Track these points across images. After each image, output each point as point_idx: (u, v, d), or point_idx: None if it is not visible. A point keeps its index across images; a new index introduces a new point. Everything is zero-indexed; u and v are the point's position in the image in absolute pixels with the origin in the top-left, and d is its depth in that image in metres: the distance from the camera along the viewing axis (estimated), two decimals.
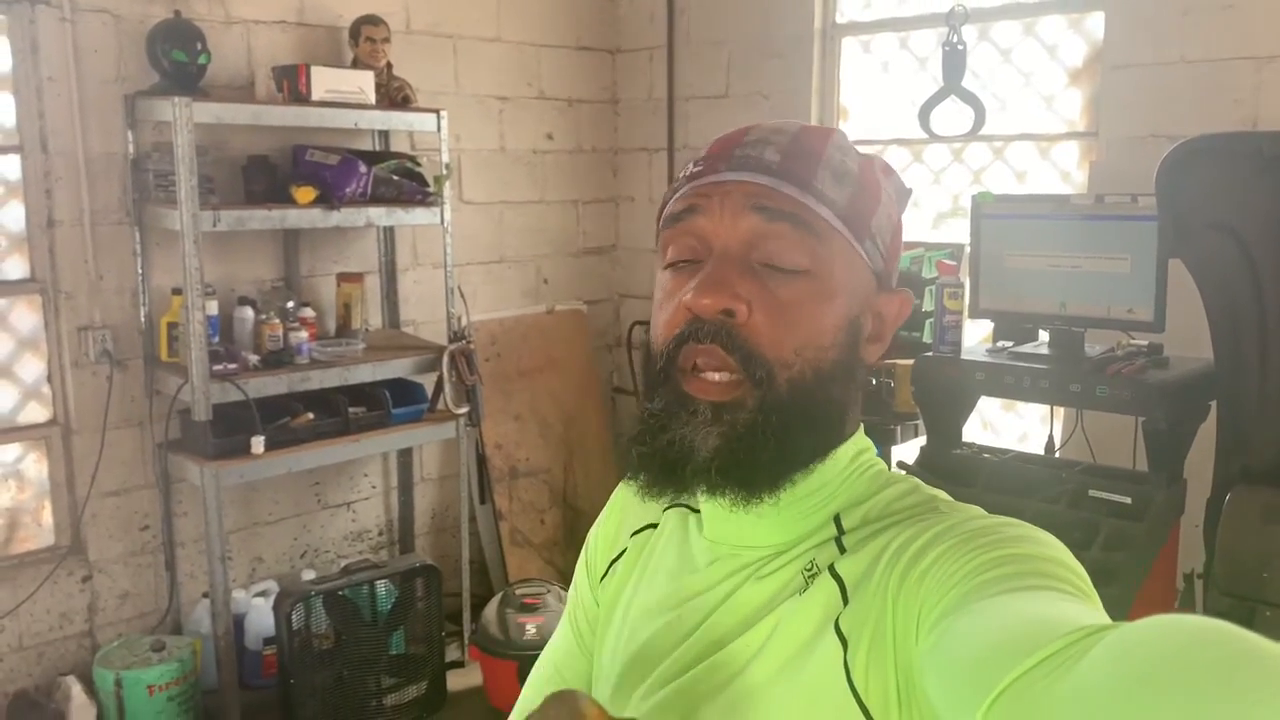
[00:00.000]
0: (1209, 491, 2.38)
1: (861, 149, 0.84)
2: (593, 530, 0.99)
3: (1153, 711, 0.41)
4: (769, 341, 0.74)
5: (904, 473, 0.83)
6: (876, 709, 0.68)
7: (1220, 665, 0.42)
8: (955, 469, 2.68)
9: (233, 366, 3.07)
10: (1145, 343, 2.61)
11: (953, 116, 3.38)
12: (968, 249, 3.00)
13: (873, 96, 3.84)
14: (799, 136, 0.78)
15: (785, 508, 0.77)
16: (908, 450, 3.13)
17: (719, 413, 0.74)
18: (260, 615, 3.33)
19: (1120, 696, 0.43)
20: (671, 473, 0.75)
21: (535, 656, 3.48)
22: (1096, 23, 3.23)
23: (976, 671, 0.54)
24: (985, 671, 0.52)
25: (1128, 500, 2.40)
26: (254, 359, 3.18)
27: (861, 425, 0.83)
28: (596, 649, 0.92)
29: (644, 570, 0.89)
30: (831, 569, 0.74)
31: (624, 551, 0.93)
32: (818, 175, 0.76)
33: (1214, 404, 2.43)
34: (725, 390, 0.74)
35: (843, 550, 0.75)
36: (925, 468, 2.72)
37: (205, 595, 3.26)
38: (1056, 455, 2.86)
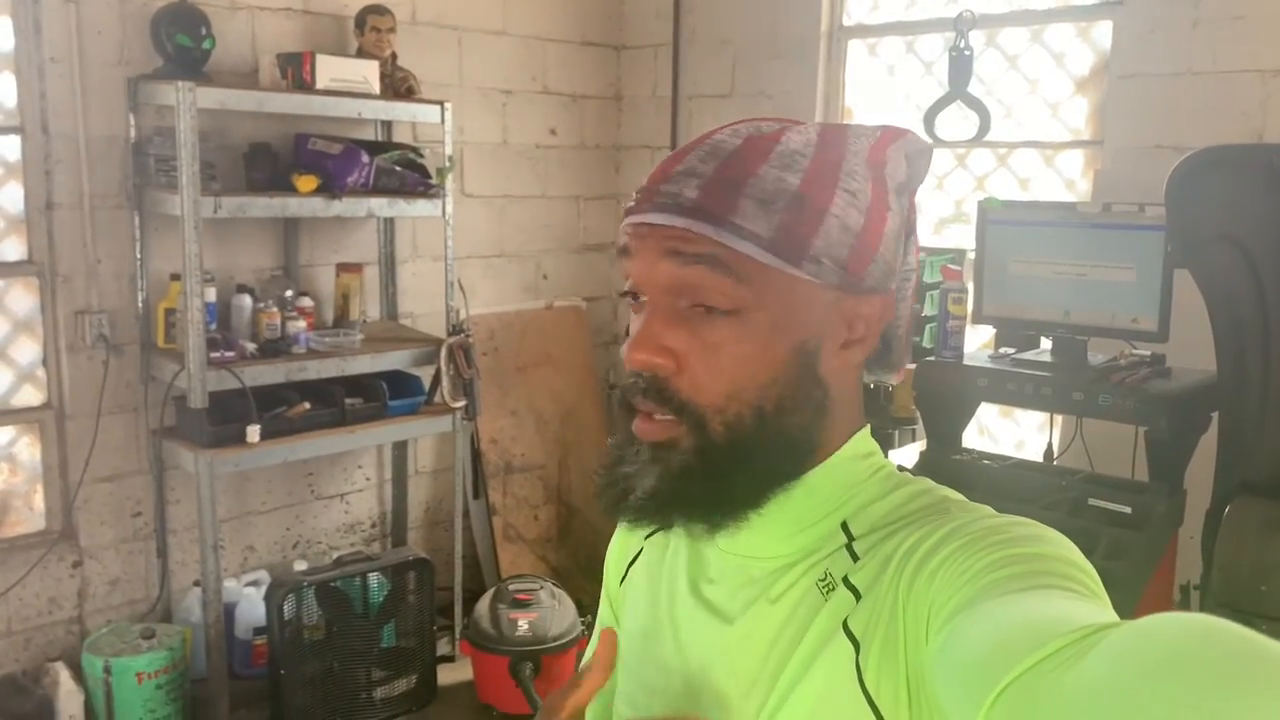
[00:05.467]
0: (1208, 503, 2.38)
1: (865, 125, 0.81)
2: (610, 545, 0.99)
3: (1154, 707, 0.41)
4: (700, 388, 0.73)
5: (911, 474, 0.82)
6: (888, 710, 0.68)
7: (1223, 662, 0.42)
8: (955, 474, 2.67)
9: (230, 354, 3.06)
10: (1148, 353, 2.61)
11: (958, 122, 3.38)
12: (971, 254, 3.00)
13: (878, 100, 3.83)
14: (729, 162, 0.73)
15: (780, 516, 0.76)
16: (905, 454, 3.12)
17: (656, 453, 0.75)
18: (251, 605, 3.32)
19: (1123, 692, 0.43)
20: (622, 504, 0.77)
21: (527, 652, 3.47)
22: (1104, 32, 3.23)
23: (981, 669, 0.53)
24: (989, 669, 0.52)
25: (1128, 510, 2.40)
26: (251, 347, 3.16)
27: (867, 426, 0.81)
28: (620, 653, 0.91)
29: (660, 572, 0.88)
30: (846, 580, 0.74)
31: (640, 554, 0.92)
32: (738, 209, 0.72)
33: (1215, 415, 2.43)
34: (663, 430, 0.75)
35: (855, 558, 0.74)
36: (924, 473, 2.69)
37: (196, 584, 3.25)
38: (1055, 463, 2.86)
